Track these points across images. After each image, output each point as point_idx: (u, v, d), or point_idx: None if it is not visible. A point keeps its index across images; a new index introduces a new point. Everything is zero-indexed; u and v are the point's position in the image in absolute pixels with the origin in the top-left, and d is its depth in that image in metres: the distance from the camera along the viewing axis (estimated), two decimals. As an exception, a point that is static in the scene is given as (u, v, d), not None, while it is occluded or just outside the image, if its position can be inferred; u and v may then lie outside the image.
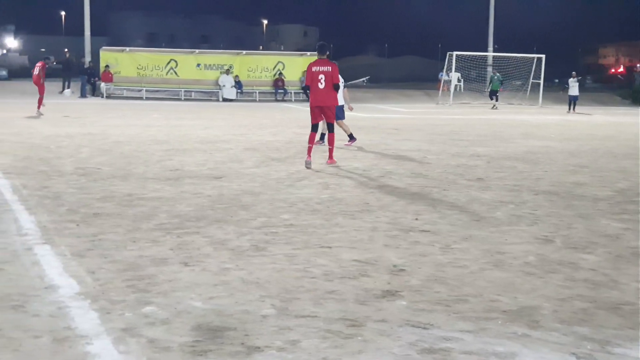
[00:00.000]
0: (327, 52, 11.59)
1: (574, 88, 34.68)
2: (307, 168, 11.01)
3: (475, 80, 43.08)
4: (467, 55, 41.69)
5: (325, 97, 11.32)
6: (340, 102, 13.99)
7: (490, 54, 45.82)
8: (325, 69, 11.28)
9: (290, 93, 39.63)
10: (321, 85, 11.23)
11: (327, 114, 11.57)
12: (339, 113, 14.03)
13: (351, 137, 15.05)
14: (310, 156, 11.30)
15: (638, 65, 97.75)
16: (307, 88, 11.56)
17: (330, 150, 11.90)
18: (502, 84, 37.81)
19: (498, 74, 37.53)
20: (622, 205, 8.52)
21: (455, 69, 40.34)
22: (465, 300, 4.76)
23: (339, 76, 13.33)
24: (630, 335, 4.18)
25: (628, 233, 7.00)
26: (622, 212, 8.08)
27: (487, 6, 48.20)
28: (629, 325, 4.33)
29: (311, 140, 11.59)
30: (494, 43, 48.27)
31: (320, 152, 12.76)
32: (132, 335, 3.98)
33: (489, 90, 37.26)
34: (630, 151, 15.12)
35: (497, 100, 35.98)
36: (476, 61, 43.19)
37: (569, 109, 34.13)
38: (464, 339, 4.03)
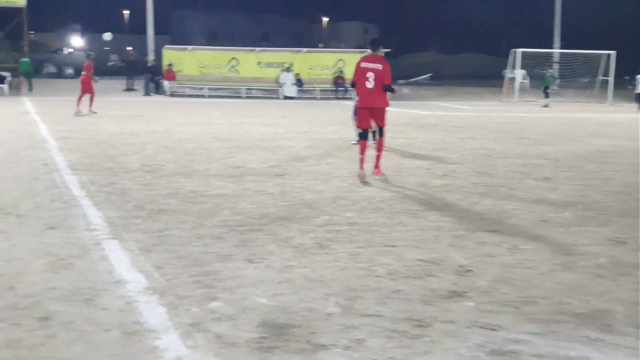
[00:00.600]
0: (381, 48, 10.22)
1: None
2: (362, 182, 9.61)
3: (540, 77, 42.27)
4: (532, 52, 40.96)
5: (374, 97, 9.96)
6: None
7: (556, 50, 44.96)
8: (375, 66, 9.89)
9: (351, 91, 39.51)
10: (369, 85, 9.87)
11: (376, 117, 10.17)
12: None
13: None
14: (362, 168, 9.92)
15: None
16: (354, 85, 10.24)
17: (378, 158, 10.31)
18: (554, 80, 36.89)
19: (551, 71, 36.62)
20: (696, 207, 8.25)
21: (520, 66, 39.64)
22: (534, 302, 4.66)
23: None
24: None
25: (703, 235, 6.77)
26: (697, 214, 7.81)
27: (553, 1, 47.27)
28: None
29: (362, 149, 10.02)
30: (561, 39, 47.33)
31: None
32: (199, 331, 4.01)
33: (542, 87, 36.28)
34: None
35: (548, 97, 34.97)
36: (541, 58, 42.40)
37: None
38: (533, 342, 3.95)
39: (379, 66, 9.89)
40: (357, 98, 12.35)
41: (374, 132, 13.82)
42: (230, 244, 6.04)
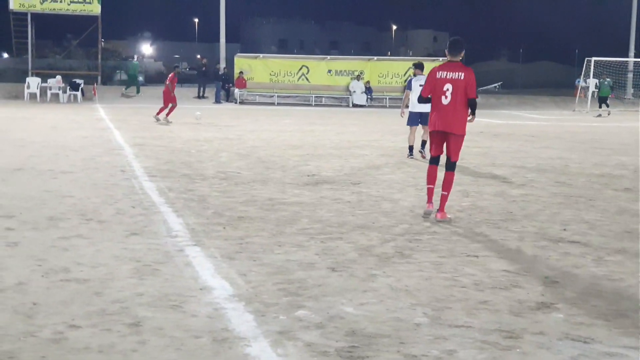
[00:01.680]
0: (462, 53, 7.91)
1: None
2: (425, 217, 7.69)
3: (615, 87, 41.28)
4: (606, 60, 40.03)
5: (450, 118, 7.59)
6: (416, 108, 12.83)
7: (631, 59, 43.81)
8: (455, 75, 7.57)
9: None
10: (445, 101, 7.57)
11: (449, 145, 7.74)
12: (419, 119, 13.05)
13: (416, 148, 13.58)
14: (431, 202, 7.77)
15: None
16: (426, 101, 8.00)
17: (443, 199, 7.68)
18: (612, 89, 35.65)
19: (608, 79, 35.38)
20: None
21: (594, 75, 38.80)
22: (626, 315, 4.56)
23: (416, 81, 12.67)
24: None
25: None
26: None
27: (629, 9, 46.10)
28: None
29: (431, 178, 7.88)
30: (636, 48, 46.09)
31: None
32: (289, 339, 4.04)
33: (597, 96, 34.93)
34: None
35: (607, 106, 33.65)
36: (616, 67, 41.40)
37: None
38: (629, 356, 3.86)
39: (460, 75, 7.57)
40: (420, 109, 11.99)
41: (423, 142, 13.21)
42: (312, 252, 6.07)
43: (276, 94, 37.97)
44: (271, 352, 3.86)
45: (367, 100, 38.27)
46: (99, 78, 41.00)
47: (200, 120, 21.36)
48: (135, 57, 46.16)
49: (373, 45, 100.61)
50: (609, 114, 32.79)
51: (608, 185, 10.34)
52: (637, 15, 45.44)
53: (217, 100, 37.62)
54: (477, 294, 4.93)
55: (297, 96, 38.54)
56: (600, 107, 33.61)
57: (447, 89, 7.61)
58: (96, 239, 6.46)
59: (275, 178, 10.53)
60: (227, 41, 42.86)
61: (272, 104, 37.04)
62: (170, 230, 6.90)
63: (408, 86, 13.75)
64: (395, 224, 7.34)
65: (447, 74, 7.68)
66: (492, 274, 5.46)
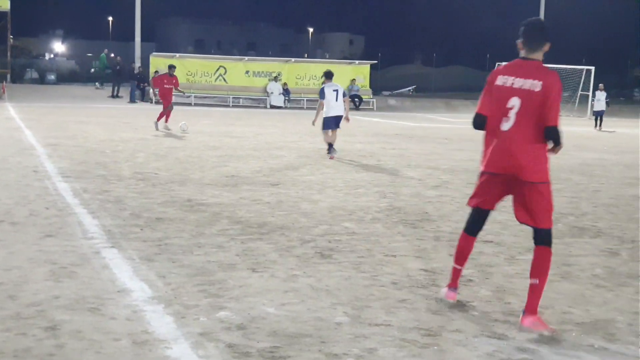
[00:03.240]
0: (547, 45, 5.01)
1: (600, 102, 29.62)
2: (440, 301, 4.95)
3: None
4: (516, 65, 41.17)
5: (515, 151, 4.69)
6: (330, 113, 13.76)
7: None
8: (528, 85, 4.71)
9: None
10: (508, 123, 4.70)
11: (527, 200, 4.83)
12: (334, 123, 13.79)
13: (330, 148, 13.99)
14: (456, 286, 4.96)
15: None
16: (481, 123, 4.99)
17: (536, 293, 4.53)
18: None
19: None
20: (686, 219, 8.37)
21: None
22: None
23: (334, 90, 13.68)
24: None
25: (695, 247, 6.88)
26: (686, 226, 7.94)
27: (537, 14, 47.69)
28: None
29: (463, 253, 5.02)
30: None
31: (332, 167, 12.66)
32: (210, 340, 4.03)
33: None
34: (688, 164, 14.85)
35: None
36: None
37: (596, 125, 29.22)
38: (540, 351, 4.01)
39: (536, 85, 4.70)
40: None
41: (330, 146, 13.51)
42: (232, 253, 6.06)
43: (193, 95, 37.63)
44: (192, 354, 3.84)
45: (284, 102, 38.37)
46: (9, 76, 39.71)
47: (186, 132, 18.97)
48: (106, 50, 44.83)
49: (291, 47, 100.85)
50: None
51: (519, 187, 10.65)
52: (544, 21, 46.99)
53: (132, 100, 37.00)
54: (396, 293, 5.02)
55: (214, 97, 38.34)
56: None
57: (514, 106, 4.70)
58: (9, 241, 6.28)
59: (194, 179, 10.45)
60: (142, 40, 42.25)
61: (189, 104, 36.66)
62: (86, 232, 6.76)
63: (321, 95, 14.15)
64: (315, 224, 7.40)
65: (516, 82, 4.78)
66: (410, 273, 5.57)
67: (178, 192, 9.17)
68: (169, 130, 19.33)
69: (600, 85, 30.61)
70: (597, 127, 28.64)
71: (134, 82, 37.83)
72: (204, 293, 4.91)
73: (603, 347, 4.11)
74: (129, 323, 4.29)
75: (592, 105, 39.17)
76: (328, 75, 14.46)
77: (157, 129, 19.32)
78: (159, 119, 19.90)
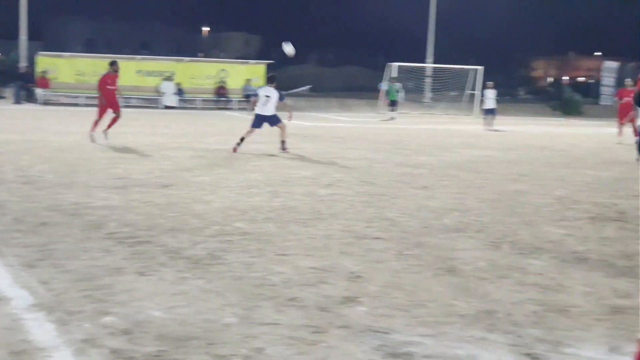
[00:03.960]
0: None
1: (490, 101, 28.65)
2: None
3: (414, 90, 43.71)
4: (406, 66, 42.22)
5: None
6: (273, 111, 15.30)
7: (429, 65, 46.48)
8: None
9: (233, 101, 39.50)
10: None
11: None
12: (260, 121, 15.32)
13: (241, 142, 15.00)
14: None
15: (566, 78, 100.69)
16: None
17: None
18: (398, 93, 37.79)
19: (397, 84, 37.34)
20: (562, 212, 8.77)
21: (394, 80, 40.76)
22: (423, 305, 4.85)
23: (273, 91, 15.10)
24: (580, 336, 4.34)
25: (570, 239, 7.23)
26: (562, 219, 8.32)
27: (427, 18, 48.90)
28: (578, 327, 4.50)
29: None
30: (433, 54, 48.94)
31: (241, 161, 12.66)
32: (94, 346, 3.94)
33: (387, 100, 36.54)
34: (566, 160, 15.55)
35: (393, 110, 35.20)
36: (415, 72, 43.80)
37: (486, 123, 28.18)
38: (425, 343, 4.12)
39: None
40: None
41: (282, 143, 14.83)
42: (120, 257, 5.94)
43: (83, 95, 36.61)
44: (74, 361, 3.75)
45: (178, 102, 37.87)
46: None
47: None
48: None
49: (185, 46, 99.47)
50: (391, 119, 33.83)
51: (409, 184, 10.91)
52: (435, 23, 48.26)
53: (17, 101, 35.66)
54: (286, 292, 5.04)
55: (105, 97, 37.39)
56: (391, 110, 35.16)
57: None
58: None
59: (82, 181, 10.17)
60: (28, 39, 40.78)
61: (78, 104, 35.67)
62: (-37, 239, 6.47)
63: (255, 94, 16.09)
64: (207, 225, 7.34)
65: None
66: (301, 271, 5.61)
67: (64, 196, 8.90)
68: (107, 140, 16.61)
69: (489, 83, 30.21)
70: (487, 126, 27.70)
71: (19, 83, 36.47)
72: (89, 298, 4.79)
73: (484, 337, 4.26)
74: (7, 332, 4.14)
75: (481, 103, 40.62)
76: (270, 80, 16.20)
77: (93, 141, 16.34)
78: (94, 127, 16.84)
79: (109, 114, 17.39)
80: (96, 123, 16.99)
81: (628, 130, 20.32)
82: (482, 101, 28.92)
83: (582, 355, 4.05)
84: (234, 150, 14.66)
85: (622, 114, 20.81)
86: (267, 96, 15.29)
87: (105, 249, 6.22)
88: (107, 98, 17.37)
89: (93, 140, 16.31)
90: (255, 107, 15.48)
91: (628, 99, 19.45)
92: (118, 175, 10.96)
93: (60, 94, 36.71)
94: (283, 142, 15.18)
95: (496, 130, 26.32)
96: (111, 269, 5.55)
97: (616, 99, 21.72)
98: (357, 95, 53.53)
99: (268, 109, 15.25)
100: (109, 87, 17.40)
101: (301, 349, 3.96)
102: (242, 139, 14.94)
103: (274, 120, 15.45)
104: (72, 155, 13.43)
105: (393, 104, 35.82)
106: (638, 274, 5.86)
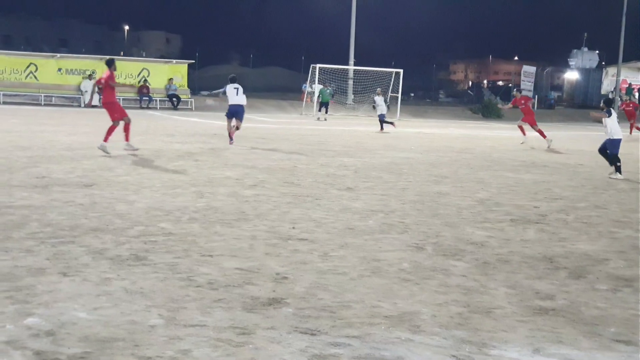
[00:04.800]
0: None
1: (381, 107, 28.08)
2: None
3: (337, 92, 44.08)
4: (329, 68, 42.51)
5: None
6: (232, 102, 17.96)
7: (351, 67, 46.88)
8: None
9: (155, 100, 38.98)
10: None
11: None
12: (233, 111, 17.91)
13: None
14: None
15: (485, 81, 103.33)
16: None
17: None
18: (332, 96, 39.37)
19: (330, 88, 39.01)
20: (484, 214, 9.00)
21: (318, 81, 41.02)
22: (349, 306, 4.91)
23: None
24: (504, 337, 4.47)
25: (492, 240, 7.42)
26: (484, 221, 8.54)
27: (349, 21, 49.31)
28: (502, 328, 4.62)
29: None
30: (355, 57, 49.39)
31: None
32: (16, 348, 3.86)
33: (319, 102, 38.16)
34: (486, 163, 15.93)
35: (326, 112, 37.08)
36: (338, 74, 44.14)
37: (382, 128, 27.52)
38: (351, 345, 4.17)
39: None
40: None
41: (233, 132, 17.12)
42: (42, 257, 5.82)
43: (1, 92, 35.57)
44: (-3, 364, 3.66)
45: (99, 101, 37.12)
46: None
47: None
48: None
49: (105, 44, 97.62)
50: (325, 120, 34.82)
51: (333, 185, 11.01)
52: (356, 26, 48.73)
53: None
54: (212, 293, 5.04)
55: (24, 95, 36.44)
56: (319, 110, 36.06)
57: None
58: None
59: (2, 181, 9.90)
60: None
61: (-5, 102, 34.65)
62: None
63: (224, 92, 18.69)
64: (130, 225, 7.25)
65: None
66: (227, 273, 5.61)
67: (-18, 195, 8.65)
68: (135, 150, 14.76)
69: (378, 89, 30.85)
70: (380, 130, 27.30)
71: None
72: (11, 299, 4.68)
73: (409, 339, 4.34)
74: None
75: (399, 107, 41.29)
76: (232, 80, 18.36)
77: (134, 149, 14.68)
78: (127, 137, 15.05)
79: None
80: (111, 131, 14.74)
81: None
82: (373, 107, 29.27)
83: (506, 357, 4.15)
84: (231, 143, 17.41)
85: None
86: (235, 88, 17.90)
87: (27, 249, 6.09)
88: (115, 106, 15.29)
89: (106, 152, 14.06)
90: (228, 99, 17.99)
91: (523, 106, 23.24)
92: (39, 174, 10.70)
93: (-24, 91, 35.59)
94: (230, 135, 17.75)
95: (387, 132, 26.53)
96: (33, 270, 5.43)
97: (511, 105, 24.68)
98: (279, 96, 53.58)
99: (238, 99, 17.85)
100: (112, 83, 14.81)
101: (228, 350, 3.97)
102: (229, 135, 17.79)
103: (237, 110, 17.90)
104: (-11, 154, 13.05)
105: (325, 105, 36.74)
106: (559, 276, 6.08)
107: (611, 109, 14.33)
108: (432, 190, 10.97)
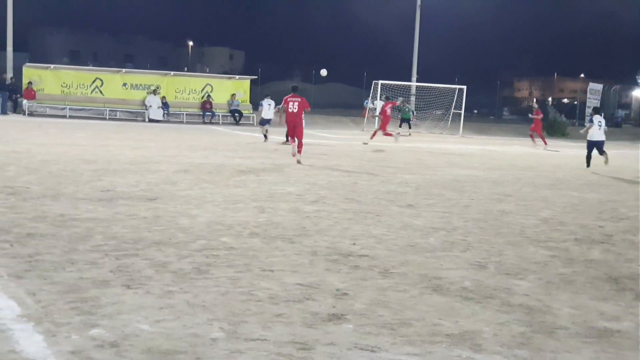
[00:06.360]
0: None
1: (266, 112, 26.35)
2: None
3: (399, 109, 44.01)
4: (391, 84, 42.45)
5: None
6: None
7: (413, 83, 46.74)
8: None
9: (218, 116, 39.52)
10: None
11: None
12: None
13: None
14: None
15: (550, 99, 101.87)
16: None
17: None
18: (413, 113, 39.71)
19: (409, 106, 39.34)
20: (547, 234, 8.84)
21: (380, 97, 41.01)
22: (409, 324, 4.87)
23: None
24: (567, 358, 4.37)
25: (555, 260, 7.28)
26: (548, 240, 8.39)
27: (412, 37, 49.24)
28: (566, 349, 4.53)
29: None
30: (417, 73, 49.26)
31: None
32: (82, 358, 3.94)
33: (400, 118, 38.60)
34: (550, 181, 15.66)
35: (409, 127, 37.42)
36: (400, 90, 44.06)
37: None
38: (411, 362, 4.14)
39: None
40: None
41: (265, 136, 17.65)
42: (106, 270, 5.93)
43: (68, 107, 36.53)
44: (63, 373, 3.74)
45: (163, 116, 37.85)
46: None
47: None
48: None
49: (169, 60, 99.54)
50: (409, 135, 35.37)
51: (393, 202, 10.97)
52: (419, 42, 48.62)
53: (3, 112, 35.54)
54: (272, 307, 5.06)
55: (90, 109, 37.35)
56: (400, 126, 36.81)
57: None
58: None
59: (68, 193, 10.15)
60: (14, 50, 40.69)
61: (64, 116, 35.58)
62: (-51, 249, 6.43)
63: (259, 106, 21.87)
64: (193, 239, 7.35)
65: None
66: (287, 288, 5.63)
67: (50, 207, 8.88)
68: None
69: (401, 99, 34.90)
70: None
71: (5, 94, 36.36)
72: (76, 310, 4.78)
73: (470, 357, 4.29)
74: (-5, 343, 4.13)
75: (462, 123, 40.95)
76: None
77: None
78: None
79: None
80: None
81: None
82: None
83: (566, 376, 4.08)
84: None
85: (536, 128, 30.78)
86: (269, 104, 22.49)
87: (92, 261, 6.22)
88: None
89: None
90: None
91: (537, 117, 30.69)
92: (104, 187, 10.94)
93: (46, 105, 36.61)
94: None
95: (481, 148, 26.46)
96: (98, 282, 5.55)
97: (533, 116, 31.10)
98: (341, 112, 53.72)
99: (269, 113, 21.79)
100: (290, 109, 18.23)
101: (288, 365, 3.98)
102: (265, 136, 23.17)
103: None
104: (58, 167, 13.40)
105: (405, 121, 37.45)
106: (625, 297, 5.92)
107: None
108: (495, 209, 10.83)
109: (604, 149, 19.98)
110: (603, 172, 18.69)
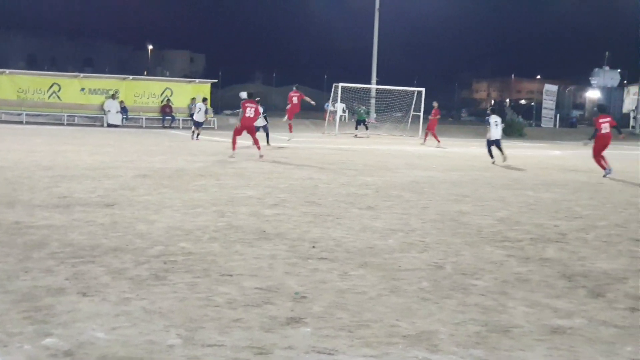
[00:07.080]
0: None
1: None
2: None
3: (369, 112, 44.19)
4: (351, 87, 42.59)
5: None
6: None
7: (373, 86, 46.93)
8: None
9: (178, 120, 39.26)
10: None
11: None
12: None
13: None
14: None
15: (508, 99, 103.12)
16: None
17: None
18: (368, 114, 40.33)
19: (363, 107, 39.81)
20: (503, 233, 8.94)
21: (340, 99, 41.12)
22: (367, 325, 4.90)
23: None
24: (522, 356, 4.44)
25: (511, 259, 7.38)
26: (504, 240, 8.49)
27: (371, 40, 49.47)
28: (520, 347, 4.59)
29: None
30: (377, 75, 49.50)
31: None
32: (35, 368, 3.88)
33: (355, 120, 39.30)
34: (506, 182, 15.82)
35: (366, 129, 37.88)
36: (360, 93, 44.21)
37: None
38: (368, 364, 4.16)
39: None
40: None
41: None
42: (62, 277, 5.86)
43: (25, 112, 36.02)
44: (16, 384, 3.69)
45: (122, 120, 37.52)
46: None
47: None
48: None
49: (129, 64, 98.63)
50: (368, 137, 35.74)
51: (353, 204, 11.00)
52: (379, 45, 48.88)
53: (-43, 118, 34.90)
54: (230, 312, 5.05)
55: (48, 115, 36.87)
56: (356, 129, 37.78)
57: None
58: None
59: (24, 200, 10.00)
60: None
61: (21, 122, 35.07)
62: None
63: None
64: (151, 245, 7.29)
65: None
66: (246, 292, 5.62)
67: (5, 215, 8.75)
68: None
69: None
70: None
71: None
72: (30, 320, 4.72)
73: (427, 358, 4.32)
74: (-54, 354, 4.06)
75: (421, 125, 41.31)
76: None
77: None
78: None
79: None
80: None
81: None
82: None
83: (521, 374, 4.14)
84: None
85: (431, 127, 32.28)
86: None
87: (47, 268, 6.14)
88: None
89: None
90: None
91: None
92: (60, 194, 10.81)
93: (1, 111, 36.07)
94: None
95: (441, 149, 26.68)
96: (53, 290, 5.48)
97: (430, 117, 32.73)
98: (301, 114, 53.66)
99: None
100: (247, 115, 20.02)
101: (245, 369, 3.97)
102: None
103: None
104: (13, 174, 13.20)
105: (361, 122, 37.87)
106: (578, 295, 6.02)
107: None
108: (452, 209, 10.92)
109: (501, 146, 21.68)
110: (558, 172, 18.97)
